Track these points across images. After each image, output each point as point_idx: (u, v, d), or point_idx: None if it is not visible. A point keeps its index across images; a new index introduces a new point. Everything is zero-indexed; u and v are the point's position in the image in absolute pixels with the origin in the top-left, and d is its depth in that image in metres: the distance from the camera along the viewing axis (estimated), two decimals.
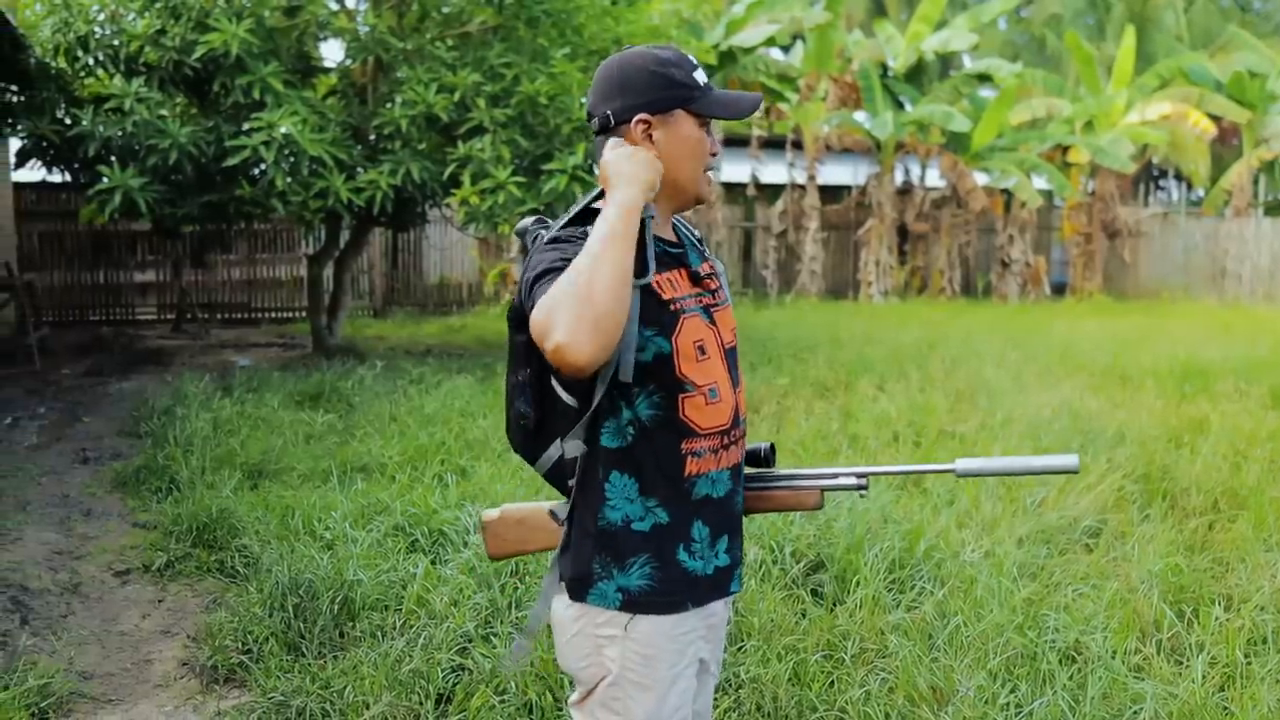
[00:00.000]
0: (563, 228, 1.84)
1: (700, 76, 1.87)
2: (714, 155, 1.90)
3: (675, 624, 1.86)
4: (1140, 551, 4.40)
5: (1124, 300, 19.41)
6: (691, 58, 1.89)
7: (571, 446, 1.87)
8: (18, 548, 4.80)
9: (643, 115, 1.84)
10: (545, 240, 1.83)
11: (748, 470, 2.04)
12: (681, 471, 1.85)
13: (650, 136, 1.84)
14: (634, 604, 1.84)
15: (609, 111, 1.86)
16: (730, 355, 1.94)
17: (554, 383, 1.88)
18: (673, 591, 1.86)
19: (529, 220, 1.91)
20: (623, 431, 1.83)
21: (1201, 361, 9.64)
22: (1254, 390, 8.24)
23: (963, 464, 1.95)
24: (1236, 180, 20.02)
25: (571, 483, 1.89)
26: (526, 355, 1.89)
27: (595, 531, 1.85)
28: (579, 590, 1.87)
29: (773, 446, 2.03)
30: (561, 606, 1.90)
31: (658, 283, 1.83)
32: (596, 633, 1.86)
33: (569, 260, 1.68)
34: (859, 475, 1.96)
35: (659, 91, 1.84)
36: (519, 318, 1.84)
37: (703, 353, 1.86)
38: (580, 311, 1.58)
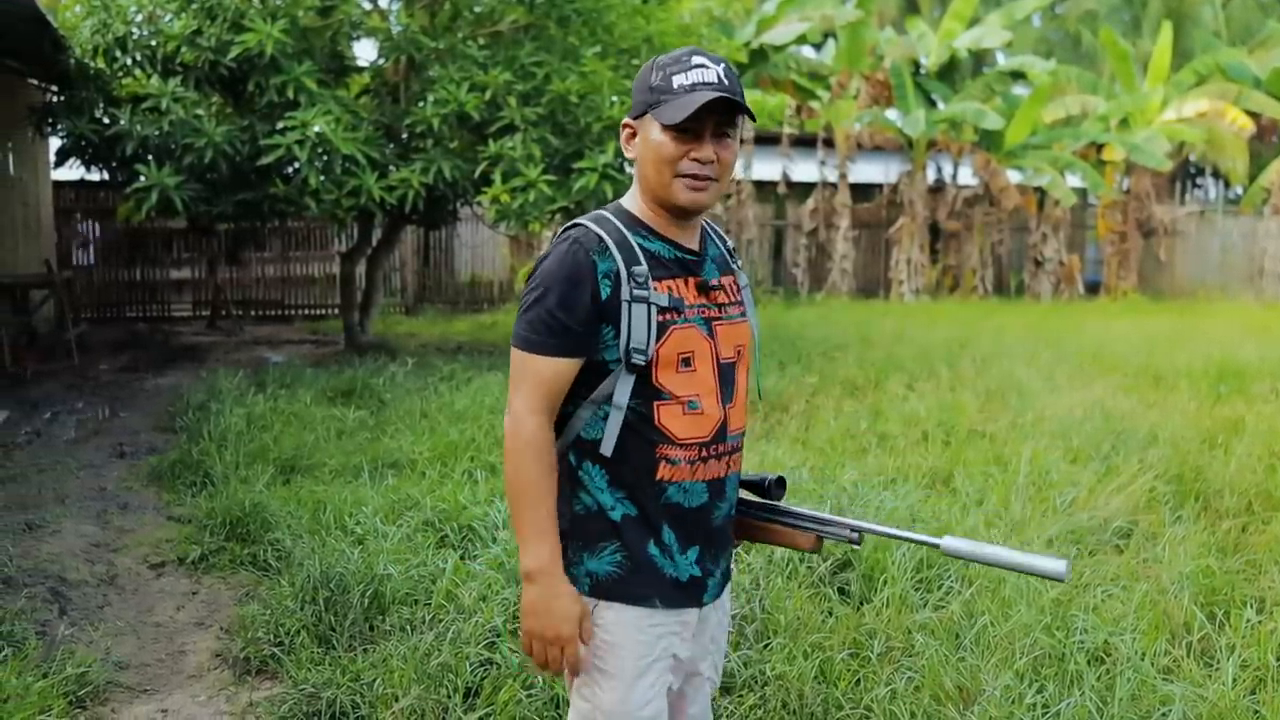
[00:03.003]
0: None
1: (682, 79, 1.78)
2: (699, 162, 1.81)
3: (642, 617, 1.88)
4: (1171, 553, 4.35)
5: (1159, 300, 19.17)
6: (696, 58, 1.81)
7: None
8: (56, 540, 4.89)
9: (626, 120, 1.90)
10: (562, 232, 1.90)
11: (752, 498, 2.03)
12: (653, 474, 1.86)
13: (632, 141, 1.89)
14: (600, 589, 1.87)
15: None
16: (727, 370, 1.91)
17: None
18: (639, 584, 1.87)
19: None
20: (601, 425, 1.86)
21: (1237, 362, 9.50)
22: None
23: (950, 542, 1.87)
24: (1275, 178, 19.70)
25: None
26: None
27: (570, 516, 1.89)
28: None
29: (780, 480, 2.01)
30: None
31: (654, 289, 1.84)
32: None
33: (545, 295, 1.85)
34: (853, 529, 1.95)
35: (638, 96, 1.88)
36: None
37: (687, 364, 1.85)
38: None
